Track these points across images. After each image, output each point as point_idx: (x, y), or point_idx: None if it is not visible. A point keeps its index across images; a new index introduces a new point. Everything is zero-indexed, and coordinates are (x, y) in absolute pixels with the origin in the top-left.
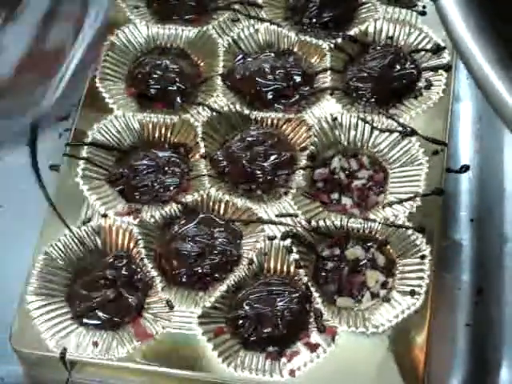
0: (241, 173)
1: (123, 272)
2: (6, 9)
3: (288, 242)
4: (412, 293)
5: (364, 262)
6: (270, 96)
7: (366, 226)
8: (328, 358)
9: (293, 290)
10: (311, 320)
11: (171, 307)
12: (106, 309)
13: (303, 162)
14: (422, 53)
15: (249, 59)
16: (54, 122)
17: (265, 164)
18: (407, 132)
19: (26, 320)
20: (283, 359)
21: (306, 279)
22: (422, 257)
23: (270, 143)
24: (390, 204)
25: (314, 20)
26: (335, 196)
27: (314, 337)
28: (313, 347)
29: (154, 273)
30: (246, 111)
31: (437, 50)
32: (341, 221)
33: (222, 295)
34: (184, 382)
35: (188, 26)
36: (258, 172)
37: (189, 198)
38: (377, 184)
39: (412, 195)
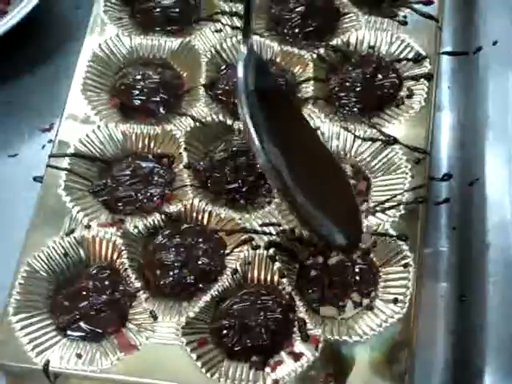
0: (224, 183)
1: (106, 283)
2: None
3: (271, 251)
4: (395, 301)
5: (347, 269)
6: None
7: None
8: (312, 367)
9: (276, 300)
10: (295, 329)
11: (155, 318)
12: (90, 320)
13: None
14: (404, 62)
15: (232, 70)
16: (38, 133)
17: (248, 174)
18: (389, 141)
19: (9, 332)
20: (267, 369)
21: (289, 288)
22: (406, 265)
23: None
24: (373, 212)
25: (297, 30)
26: None
27: (298, 346)
28: (297, 356)
29: (137, 284)
30: (229, 121)
31: (418, 59)
32: None
33: (206, 305)
34: None
35: (171, 37)
36: (241, 182)
37: (172, 209)
38: (360, 193)
39: (395, 204)
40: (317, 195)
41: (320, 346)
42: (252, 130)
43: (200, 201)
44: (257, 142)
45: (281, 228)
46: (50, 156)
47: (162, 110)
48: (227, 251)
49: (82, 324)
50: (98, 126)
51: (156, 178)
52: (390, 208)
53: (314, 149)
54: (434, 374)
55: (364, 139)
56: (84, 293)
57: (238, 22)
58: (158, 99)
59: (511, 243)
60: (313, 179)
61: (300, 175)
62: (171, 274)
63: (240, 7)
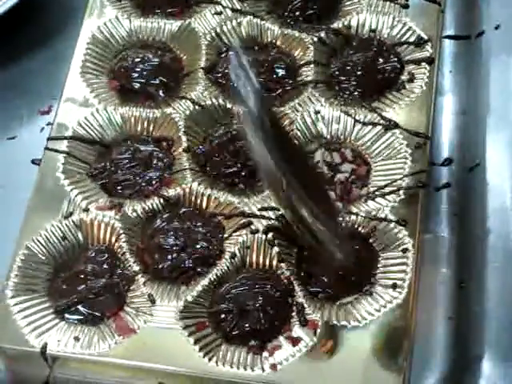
0: (223, 166)
1: (105, 267)
2: None
3: (270, 235)
4: (394, 286)
5: None
6: None
7: (348, 220)
8: (310, 352)
9: (275, 284)
10: (293, 314)
11: (153, 301)
12: (88, 303)
13: None
14: (405, 46)
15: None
16: (37, 115)
17: (247, 158)
18: (390, 125)
19: (7, 315)
20: (265, 353)
21: (288, 273)
22: (405, 250)
23: None
24: (373, 197)
25: (298, 13)
26: None
27: (296, 331)
28: (295, 341)
29: (135, 267)
30: (229, 105)
31: (420, 42)
32: None
33: (204, 289)
34: (165, 377)
35: (170, 19)
36: (241, 166)
37: (171, 192)
38: (360, 177)
39: (395, 189)
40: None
41: (318, 330)
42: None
43: (199, 184)
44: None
45: (280, 212)
46: (49, 139)
47: (161, 93)
48: (226, 235)
49: (80, 307)
50: (97, 109)
51: (155, 162)
52: (389, 193)
53: (305, 168)
54: (433, 360)
55: (364, 123)
56: (82, 276)
57: (238, 5)
58: (157, 82)
59: (511, 229)
60: (310, 194)
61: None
62: (170, 257)
63: None
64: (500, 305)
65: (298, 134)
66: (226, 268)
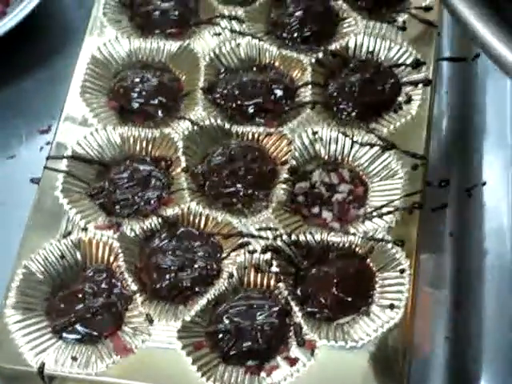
0: (221, 186)
1: (103, 286)
2: None
3: (268, 255)
4: (391, 306)
5: None
6: (251, 110)
7: (345, 240)
8: (307, 373)
9: (272, 304)
10: (291, 334)
11: (151, 321)
12: (85, 323)
13: (284, 175)
14: (402, 67)
15: (230, 74)
16: (36, 135)
17: (245, 178)
18: (387, 146)
19: (4, 334)
20: (262, 373)
21: (285, 293)
22: (402, 271)
23: (251, 157)
24: (370, 218)
25: (296, 34)
26: (316, 210)
27: (294, 351)
28: (292, 361)
29: (133, 287)
30: (227, 125)
31: (417, 64)
32: (321, 235)
33: (202, 309)
34: None
35: (170, 40)
36: (239, 186)
37: (169, 212)
38: (357, 198)
39: (392, 209)
40: None
41: (316, 351)
42: None
43: (197, 204)
44: None
45: (277, 233)
46: (48, 158)
47: (160, 113)
48: (224, 255)
49: (77, 327)
50: (96, 129)
51: (153, 182)
52: (386, 213)
53: None
54: (430, 380)
55: (362, 144)
56: (80, 295)
57: (236, 26)
58: (156, 102)
59: (508, 250)
60: None
61: None
62: (168, 277)
63: (239, 11)
64: (497, 325)
65: (296, 154)
66: (223, 288)
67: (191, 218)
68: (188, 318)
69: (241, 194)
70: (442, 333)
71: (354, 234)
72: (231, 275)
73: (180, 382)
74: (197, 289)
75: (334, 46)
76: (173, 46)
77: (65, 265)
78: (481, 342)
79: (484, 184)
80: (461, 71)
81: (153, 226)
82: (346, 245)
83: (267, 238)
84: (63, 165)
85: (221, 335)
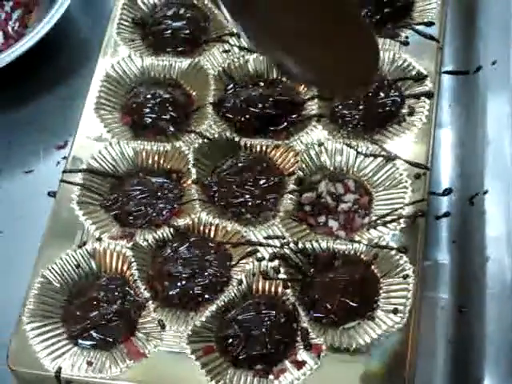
0: (231, 197)
1: (117, 294)
2: None
3: (276, 263)
4: (395, 311)
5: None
6: (259, 123)
7: (351, 248)
8: (314, 376)
9: (280, 310)
10: (298, 338)
11: (163, 327)
12: (100, 329)
13: (291, 186)
14: (405, 81)
15: (239, 88)
16: (53, 150)
17: (254, 188)
18: (391, 157)
19: (23, 340)
20: (271, 376)
21: (293, 299)
22: (405, 276)
23: (259, 169)
24: (375, 226)
25: None
26: (322, 219)
27: (301, 354)
28: (299, 365)
29: (146, 294)
30: (236, 138)
31: (419, 78)
32: (327, 243)
33: (212, 315)
34: None
35: (181, 57)
36: (248, 196)
37: (181, 222)
38: (362, 207)
39: (396, 217)
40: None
41: (322, 354)
42: None
43: (207, 214)
44: None
45: (285, 241)
46: (64, 171)
47: (171, 127)
48: (233, 263)
49: (92, 333)
50: (110, 143)
51: (165, 193)
52: (391, 221)
53: None
54: (434, 383)
55: (366, 155)
56: (95, 303)
57: (245, 43)
58: (167, 117)
59: (509, 257)
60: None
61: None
62: (179, 284)
63: None
64: (499, 329)
65: (303, 165)
66: (233, 294)
67: (202, 228)
68: (198, 324)
69: (249, 204)
70: (445, 337)
71: (359, 242)
72: (240, 282)
73: None
74: (207, 296)
75: None
76: (183, 63)
77: (80, 274)
78: (483, 346)
79: (486, 193)
80: (462, 84)
81: (165, 235)
82: (352, 252)
83: (275, 246)
84: (79, 178)
85: (230, 340)
